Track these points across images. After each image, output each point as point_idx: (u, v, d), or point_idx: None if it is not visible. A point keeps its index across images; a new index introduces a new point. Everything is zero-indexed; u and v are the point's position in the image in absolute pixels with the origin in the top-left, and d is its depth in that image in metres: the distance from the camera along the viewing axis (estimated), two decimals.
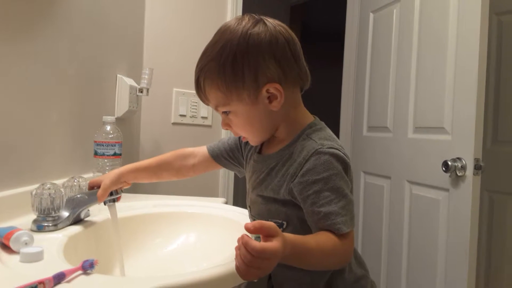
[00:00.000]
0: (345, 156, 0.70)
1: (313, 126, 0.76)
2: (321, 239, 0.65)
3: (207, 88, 0.72)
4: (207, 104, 0.76)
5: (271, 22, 0.72)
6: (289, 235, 0.59)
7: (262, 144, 0.83)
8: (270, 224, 0.55)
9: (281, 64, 0.70)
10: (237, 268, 0.55)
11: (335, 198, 0.67)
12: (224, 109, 0.74)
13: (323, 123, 0.79)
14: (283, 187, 0.72)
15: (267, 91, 0.70)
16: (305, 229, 0.70)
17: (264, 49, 0.69)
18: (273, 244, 0.54)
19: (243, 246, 0.53)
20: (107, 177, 0.88)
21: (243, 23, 0.71)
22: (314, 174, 0.68)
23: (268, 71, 0.69)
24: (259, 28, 0.70)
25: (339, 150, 0.70)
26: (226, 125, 0.77)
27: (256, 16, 0.73)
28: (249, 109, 0.72)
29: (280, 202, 0.74)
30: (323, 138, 0.72)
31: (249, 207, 0.84)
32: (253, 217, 0.82)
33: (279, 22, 0.74)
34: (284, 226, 0.74)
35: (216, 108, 0.75)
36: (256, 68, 0.69)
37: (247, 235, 0.54)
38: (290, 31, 0.74)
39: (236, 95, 0.70)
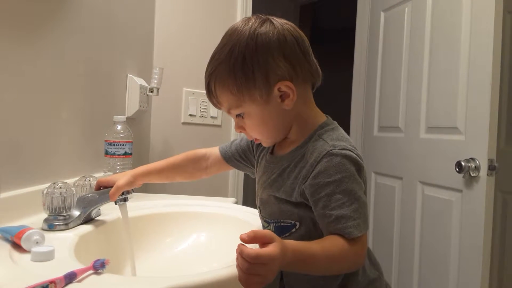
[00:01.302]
0: (358, 157, 0.69)
1: (325, 126, 0.75)
2: (327, 244, 0.64)
3: (219, 92, 0.72)
4: (219, 108, 0.76)
5: (278, 21, 0.72)
6: (290, 241, 0.58)
7: (274, 145, 0.82)
8: (265, 231, 0.56)
9: (291, 61, 0.70)
10: (239, 278, 0.55)
11: (347, 201, 0.65)
12: (237, 112, 0.73)
13: (335, 123, 0.78)
14: (295, 190, 0.71)
15: (279, 89, 0.70)
16: (318, 231, 0.69)
17: (273, 48, 0.69)
18: (268, 249, 0.54)
19: (239, 255, 0.53)
20: (121, 177, 0.87)
21: (250, 24, 0.71)
22: (326, 177, 0.67)
23: (279, 69, 0.69)
24: (266, 28, 0.70)
25: (352, 151, 0.69)
26: (240, 128, 0.76)
27: (262, 16, 0.73)
28: (262, 110, 0.71)
29: (293, 203, 0.73)
30: (335, 138, 0.71)
31: (259, 207, 0.83)
32: (263, 217, 0.81)
33: (286, 21, 0.74)
34: (297, 226, 0.74)
35: (228, 111, 0.75)
36: (266, 68, 0.68)
37: (243, 244, 0.54)
38: (297, 29, 0.73)
39: (248, 96, 0.70)
